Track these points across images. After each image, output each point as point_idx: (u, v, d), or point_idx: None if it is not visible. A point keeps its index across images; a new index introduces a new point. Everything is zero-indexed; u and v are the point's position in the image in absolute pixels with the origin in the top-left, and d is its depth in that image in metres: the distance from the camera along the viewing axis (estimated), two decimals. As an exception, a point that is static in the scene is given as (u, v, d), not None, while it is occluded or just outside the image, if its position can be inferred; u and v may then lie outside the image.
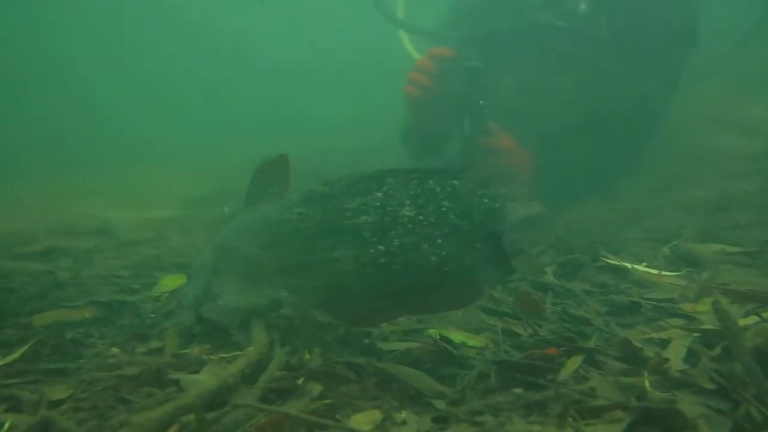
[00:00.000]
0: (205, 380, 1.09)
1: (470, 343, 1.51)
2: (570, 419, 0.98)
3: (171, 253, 2.84)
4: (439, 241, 1.28)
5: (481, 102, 3.16)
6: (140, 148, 7.95)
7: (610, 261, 2.00)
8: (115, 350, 1.39)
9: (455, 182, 1.32)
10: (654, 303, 1.60)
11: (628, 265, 1.92)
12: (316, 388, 1.15)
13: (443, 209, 1.30)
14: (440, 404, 1.16)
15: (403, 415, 1.13)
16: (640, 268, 1.90)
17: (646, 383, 1.10)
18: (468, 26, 3.74)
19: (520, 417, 1.05)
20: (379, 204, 1.33)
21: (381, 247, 1.30)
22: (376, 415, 1.13)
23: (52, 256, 2.78)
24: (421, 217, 1.30)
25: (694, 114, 4.71)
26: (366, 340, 1.49)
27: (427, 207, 1.30)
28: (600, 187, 3.72)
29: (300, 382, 1.17)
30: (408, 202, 1.31)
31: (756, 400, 0.96)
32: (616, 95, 3.59)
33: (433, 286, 1.30)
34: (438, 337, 1.47)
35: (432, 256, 1.27)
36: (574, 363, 1.30)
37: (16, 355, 1.30)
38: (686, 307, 1.55)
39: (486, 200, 1.31)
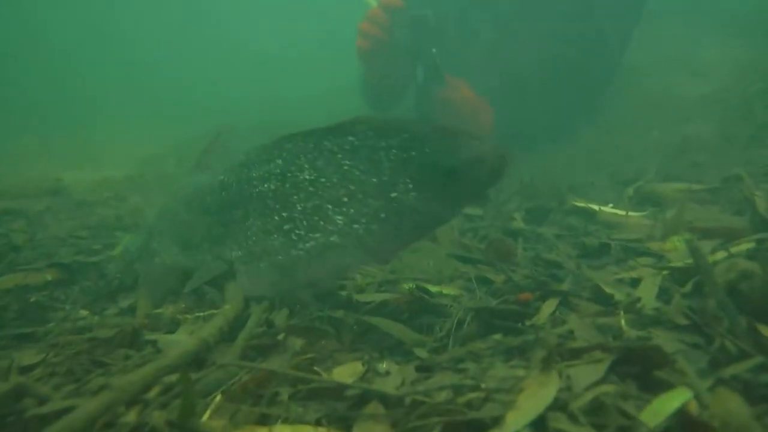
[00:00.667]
0: (183, 340, 1.07)
1: (445, 291, 1.52)
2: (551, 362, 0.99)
3: (130, 213, 2.77)
4: (345, 200, 1.27)
5: (433, 51, 3.12)
6: (99, 111, 7.71)
7: (577, 204, 2.02)
8: (83, 312, 1.35)
9: (352, 139, 1.30)
10: (623, 243, 1.62)
11: (596, 207, 1.94)
12: (297, 343, 1.14)
13: (345, 167, 1.29)
14: (422, 353, 1.16)
15: (384, 366, 1.13)
16: (607, 209, 1.92)
17: (622, 323, 1.12)
18: None
19: (502, 362, 1.06)
20: (279, 171, 1.35)
21: (284, 214, 1.32)
22: (358, 367, 1.13)
23: (4, 219, 2.68)
24: (322, 179, 1.30)
25: (647, 56, 4.75)
26: (342, 293, 1.48)
27: (327, 168, 1.30)
28: (559, 132, 3.75)
29: (280, 337, 1.16)
30: (306, 166, 1.32)
31: (730, 334, 0.98)
32: (571, 40, 3.60)
33: (341, 246, 1.28)
34: (414, 287, 1.46)
35: (337, 216, 1.27)
36: (549, 306, 1.31)
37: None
38: (654, 246, 1.58)
39: (395, 150, 1.28)
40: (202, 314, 1.26)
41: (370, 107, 4.15)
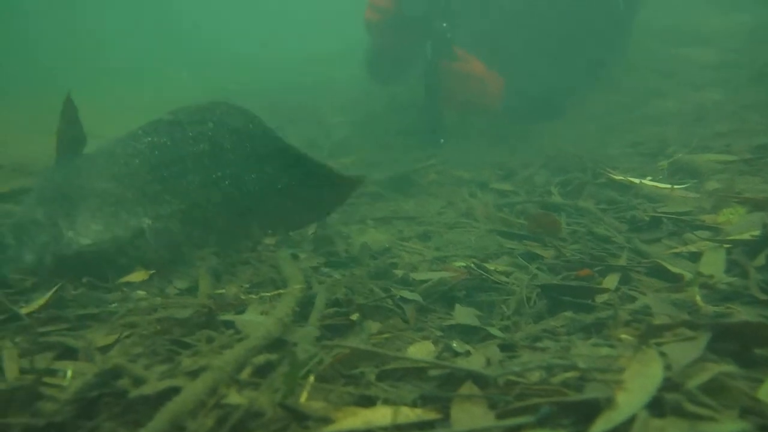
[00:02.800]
0: (262, 320, 1.06)
1: (497, 268, 1.51)
2: (635, 339, 0.99)
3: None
4: (253, 176, 1.57)
5: (444, 25, 3.08)
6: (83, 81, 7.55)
7: (615, 177, 2.01)
8: (140, 293, 1.33)
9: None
10: (673, 217, 1.61)
11: (636, 180, 1.93)
12: (375, 326, 1.13)
13: (247, 148, 1.57)
14: (495, 331, 1.16)
15: (455, 345, 1.13)
16: (649, 182, 1.91)
17: (697, 298, 1.12)
18: None
19: (581, 340, 1.06)
20: (210, 134, 1.54)
21: (219, 173, 1.52)
22: (430, 346, 1.13)
23: (21, 198, 2.64)
24: (239, 150, 1.55)
25: (654, 26, 4.73)
26: (397, 272, 1.47)
27: (240, 144, 1.55)
28: (570, 103, 3.73)
29: (354, 318, 1.15)
30: (227, 136, 1.55)
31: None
32: (582, 8, 3.56)
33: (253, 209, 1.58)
34: (470, 265, 1.46)
35: (249, 185, 1.56)
36: (611, 282, 1.32)
37: (41, 301, 1.24)
38: (707, 218, 1.57)
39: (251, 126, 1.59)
40: (268, 294, 1.25)
41: (373, 80, 4.12)
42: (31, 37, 8.91)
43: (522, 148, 3.24)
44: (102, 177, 1.49)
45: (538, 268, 1.49)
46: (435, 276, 1.43)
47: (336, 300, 1.21)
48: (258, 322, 1.05)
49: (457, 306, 1.30)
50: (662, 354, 0.88)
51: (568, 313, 1.17)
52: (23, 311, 1.18)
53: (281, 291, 1.24)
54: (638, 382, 0.80)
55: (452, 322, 1.25)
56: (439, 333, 1.21)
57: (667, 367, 0.84)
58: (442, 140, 3.22)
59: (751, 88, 3.69)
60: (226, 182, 1.54)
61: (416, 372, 0.99)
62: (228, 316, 1.11)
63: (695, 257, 1.37)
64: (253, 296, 1.25)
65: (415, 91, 3.89)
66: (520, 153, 3.08)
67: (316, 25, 9.61)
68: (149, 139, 1.51)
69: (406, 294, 1.28)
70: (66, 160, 1.59)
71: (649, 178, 1.99)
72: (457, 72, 3.13)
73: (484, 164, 2.87)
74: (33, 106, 6.03)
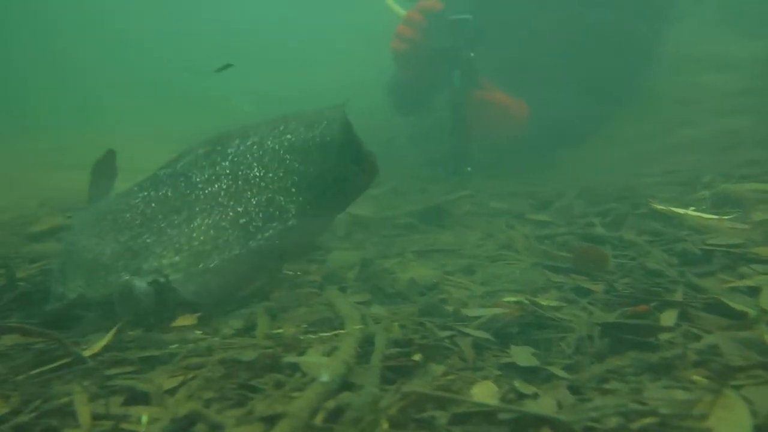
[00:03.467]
0: (327, 362, 1.05)
1: (548, 303, 1.50)
2: (710, 382, 0.98)
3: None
4: (293, 190, 1.48)
5: (471, 55, 3.12)
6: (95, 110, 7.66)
7: (658, 208, 2.00)
8: (197, 333, 1.33)
9: (289, 136, 1.52)
10: (724, 249, 1.60)
11: (680, 211, 1.92)
12: (438, 368, 1.12)
13: (287, 161, 1.48)
14: (559, 371, 1.14)
15: (518, 385, 1.12)
16: (693, 213, 1.90)
17: (766, 337, 1.10)
18: None
19: (651, 381, 1.05)
20: (228, 171, 1.49)
21: (239, 209, 1.46)
22: (492, 387, 1.11)
23: (62, 236, 2.67)
24: (270, 174, 1.48)
25: (672, 53, 4.74)
26: (448, 307, 1.46)
27: (272, 164, 1.48)
28: (591, 131, 3.74)
29: (416, 358, 1.14)
30: (255, 164, 1.49)
31: None
32: (604, 35, 3.59)
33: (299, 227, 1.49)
34: (523, 300, 1.45)
35: (290, 204, 1.47)
36: (669, 318, 1.30)
37: (103, 342, 1.24)
38: (761, 251, 1.55)
39: (318, 138, 1.52)
40: (327, 334, 1.25)
41: (396, 109, 4.15)
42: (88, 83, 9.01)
43: (551, 176, 3.25)
44: (89, 233, 1.51)
45: (590, 303, 1.48)
46: (488, 312, 1.42)
47: (396, 340, 1.20)
48: (323, 364, 1.04)
49: (513, 347, 1.28)
50: (744, 398, 0.87)
51: (633, 353, 1.16)
52: (86, 353, 1.18)
53: (341, 331, 1.23)
54: (727, 430, 0.79)
55: (508, 359, 1.24)
56: (497, 372, 1.20)
57: (754, 414, 0.83)
58: (469, 168, 3.24)
59: (776, 114, 3.67)
60: (254, 214, 1.49)
61: (485, 415, 0.98)
62: (292, 358, 1.10)
63: (754, 292, 1.35)
64: (312, 336, 1.24)
65: (436, 120, 3.93)
66: (550, 182, 3.08)
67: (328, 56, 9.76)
68: (144, 194, 1.53)
69: (471, 331, 1.28)
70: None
71: (692, 208, 1.97)
72: (484, 100, 3.16)
73: (515, 194, 2.87)
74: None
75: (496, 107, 3.22)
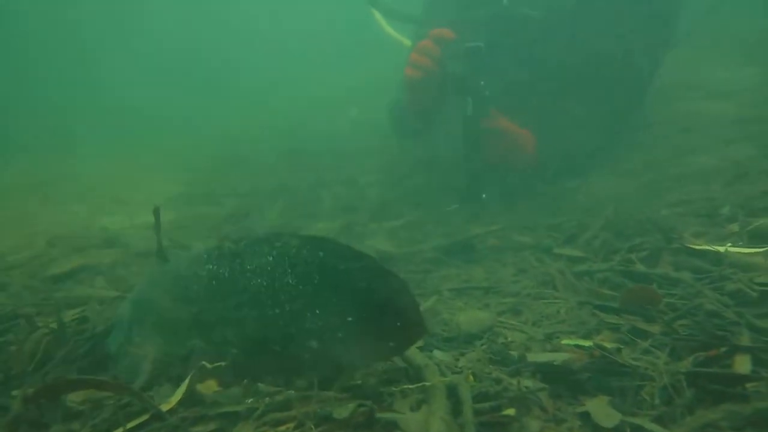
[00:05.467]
0: (425, 420, 1.03)
1: (612, 347, 1.49)
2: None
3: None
4: (317, 311, 1.36)
5: (482, 83, 3.15)
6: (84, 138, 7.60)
7: (696, 247, 2.00)
8: (262, 386, 1.30)
9: (322, 254, 1.39)
10: (778, 288, 1.60)
11: (721, 248, 1.92)
12: (534, 424, 1.11)
13: (316, 281, 1.37)
14: (648, 424, 1.13)
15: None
16: (734, 249, 1.91)
17: None
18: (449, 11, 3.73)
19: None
20: (270, 269, 1.42)
21: (277, 311, 1.38)
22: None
23: (81, 277, 2.63)
24: (300, 287, 1.38)
25: (667, 81, 4.83)
26: (512, 353, 1.45)
27: (304, 277, 1.38)
28: (598, 160, 3.78)
29: (509, 412, 1.13)
30: (289, 270, 1.40)
31: None
32: (601, 62, 3.64)
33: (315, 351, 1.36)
34: (593, 345, 1.44)
35: (313, 323, 1.35)
36: (743, 364, 1.30)
37: (178, 396, 1.21)
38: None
39: (354, 276, 1.37)
40: (410, 387, 1.22)
41: (395, 133, 4.17)
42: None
43: (564, 207, 3.25)
44: (166, 296, 1.54)
45: (652, 347, 1.47)
46: (557, 358, 1.41)
47: (480, 392, 1.19)
48: (421, 420, 1.02)
49: (588, 401, 1.26)
50: None
51: (725, 405, 1.15)
52: (163, 408, 1.15)
53: (424, 384, 1.20)
54: None
55: (584, 409, 1.23)
56: (579, 422, 1.18)
57: None
58: (483, 195, 3.25)
59: (781, 141, 3.73)
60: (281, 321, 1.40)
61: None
62: (386, 415, 1.08)
63: (822, 335, 1.35)
64: (394, 388, 1.22)
65: (443, 146, 3.96)
66: (564, 213, 3.09)
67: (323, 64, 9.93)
68: (210, 266, 1.50)
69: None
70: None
71: (729, 243, 1.98)
72: (495, 129, 3.18)
73: (536, 226, 2.87)
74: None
75: (507, 135, 3.24)
